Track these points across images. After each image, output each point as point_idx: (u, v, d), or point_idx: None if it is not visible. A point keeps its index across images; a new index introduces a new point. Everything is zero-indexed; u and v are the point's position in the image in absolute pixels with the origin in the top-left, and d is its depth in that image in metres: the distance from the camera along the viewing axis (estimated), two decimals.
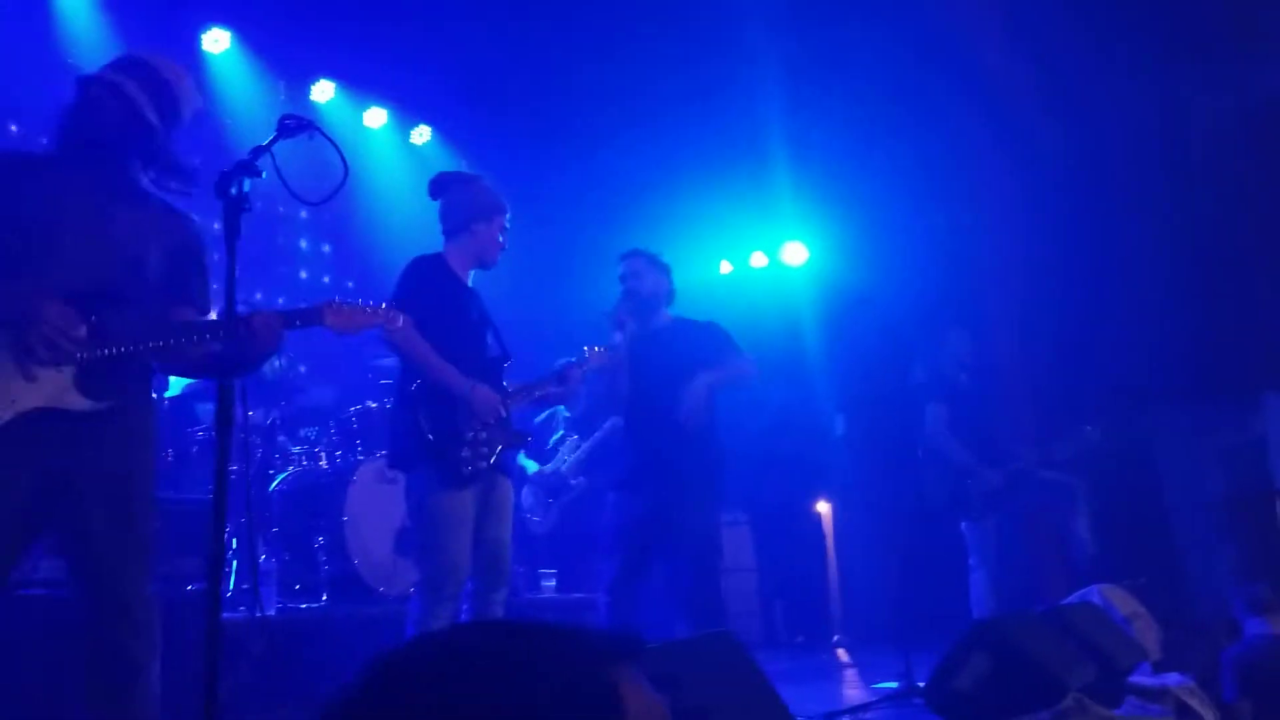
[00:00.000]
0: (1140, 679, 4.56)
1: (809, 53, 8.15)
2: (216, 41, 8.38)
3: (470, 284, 4.73)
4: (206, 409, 6.58)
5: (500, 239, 4.75)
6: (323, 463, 6.85)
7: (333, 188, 3.25)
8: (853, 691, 6.26)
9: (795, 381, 9.51)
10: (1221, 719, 4.28)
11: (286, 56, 8.90)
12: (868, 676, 6.62)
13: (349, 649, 5.48)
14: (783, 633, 9.14)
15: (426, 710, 1.00)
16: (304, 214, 9.37)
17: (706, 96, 8.74)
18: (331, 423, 7.09)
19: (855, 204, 9.18)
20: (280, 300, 8.07)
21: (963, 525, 6.74)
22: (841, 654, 8.38)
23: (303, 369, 7.57)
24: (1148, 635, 5.32)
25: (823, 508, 9.43)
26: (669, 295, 5.61)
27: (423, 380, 4.43)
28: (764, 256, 10.34)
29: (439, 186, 4.82)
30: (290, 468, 6.86)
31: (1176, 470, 7.70)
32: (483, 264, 4.76)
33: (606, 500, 5.57)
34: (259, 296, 8.17)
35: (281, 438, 6.99)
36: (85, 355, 2.98)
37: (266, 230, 8.77)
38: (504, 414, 4.56)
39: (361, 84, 9.46)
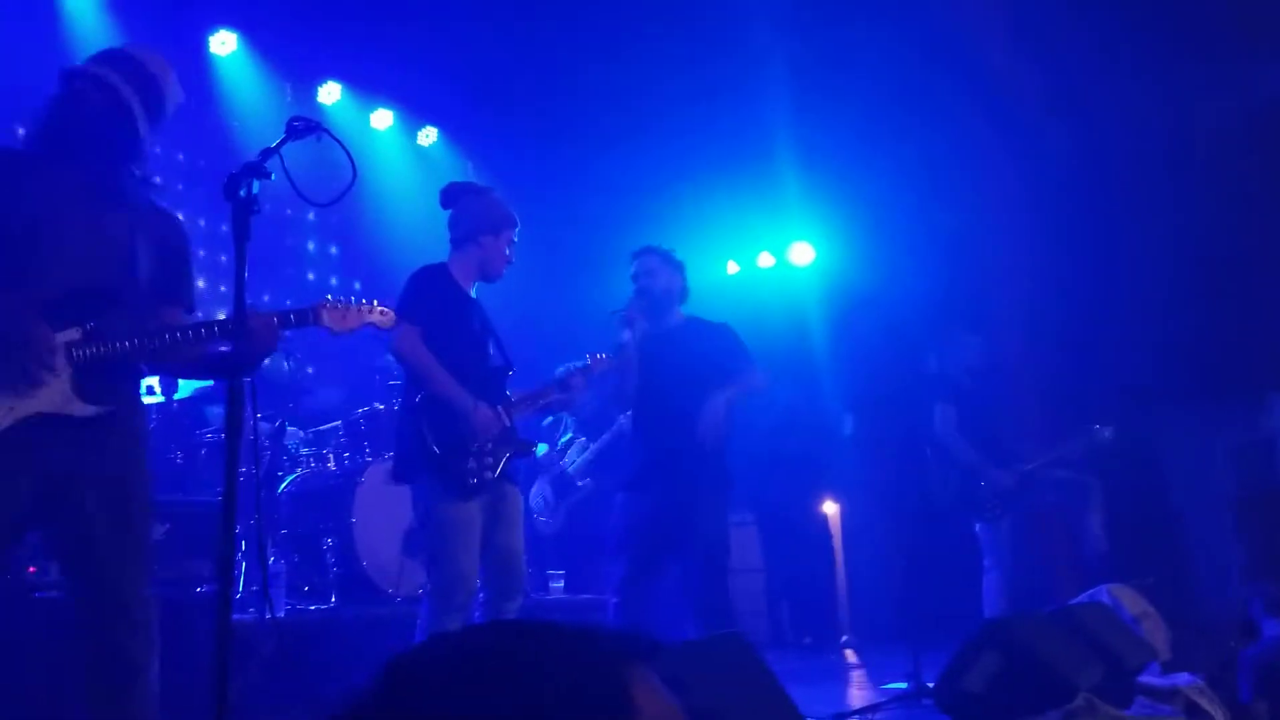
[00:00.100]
0: (1150, 679, 4.55)
1: (816, 54, 8.15)
2: (224, 44, 8.41)
3: (473, 294, 4.73)
4: (215, 412, 6.59)
5: (507, 252, 4.75)
6: (331, 465, 6.86)
7: (341, 189, 3.26)
8: (861, 692, 6.25)
9: (802, 381, 9.51)
10: (1233, 719, 4.27)
11: (293, 58, 8.92)
12: (876, 677, 6.60)
13: (358, 650, 5.49)
14: (790, 633, 9.12)
15: (439, 712, 1.00)
16: (311, 216, 9.39)
17: (713, 97, 8.74)
18: (340, 424, 7.10)
19: (862, 204, 9.18)
20: (288, 302, 8.08)
21: (977, 527, 6.74)
22: (849, 654, 8.37)
23: (310, 371, 7.59)
24: (1157, 635, 5.31)
25: (830, 508, 9.42)
26: (682, 294, 5.60)
27: (427, 392, 4.44)
28: (771, 256, 10.33)
29: (450, 196, 4.82)
30: (299, 470, 6.87)
31: (1184, 470, 7.69)
32: (487, 276, 4.75)
33: (615, 501, 5.57)
34: (267, 298, 8.19)
35: (290, 440, 7.00)
36: (82, 355, 2.97)
37: (274, 232, 8.79)
38: (508, 424, 4.57)
39: (368, 85, 9.47)
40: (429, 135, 10.05)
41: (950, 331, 7.16)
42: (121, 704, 3.01)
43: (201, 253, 8.51)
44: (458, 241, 4.74)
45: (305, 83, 9.07)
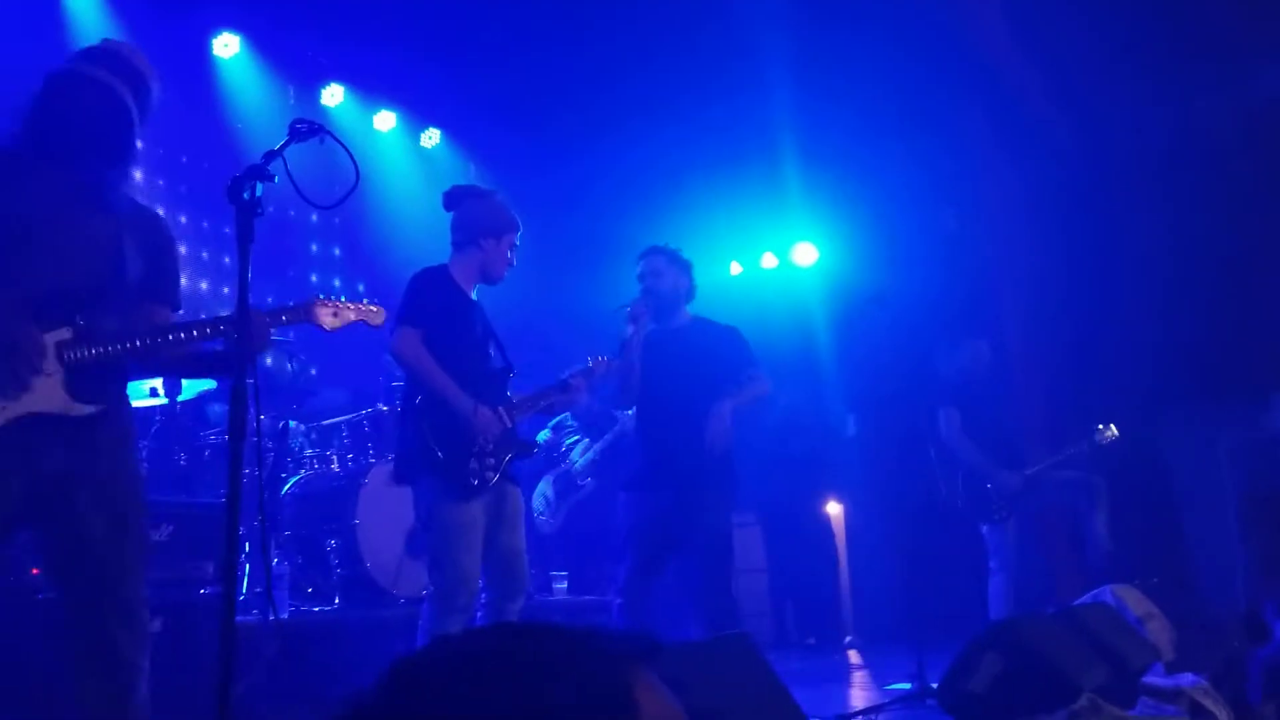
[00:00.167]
0: (1154, 679, 4.54)
1: (819, 55, 8.15)
2: (226, 46, 8.42)
3: (474, 297, 4.73)
4: (218, 413, 6.60)
5: (509, 256, 4.75)
6: (334, 466, 6.86)
7: (344, 191, 3.26)
8: (865, 693, 6.24)
9: (806, 382, 9.50)
10: (1237, 719, 4.26)
11: (296, 60, 8.93)
12: (880, 678, 6.60)
13: (361, 652, 5.50)
14: (794, 634, 9.12)
15: (443, 714, 1.00)
16: (315, 218, 9.40)
17: (716, 99, 8.74)
18: (343, 426, 7.10)
19: (865, 205, 9.18)
20: (290, 303, 8.08)
21: (983, 528, 6.73)
22: (853, 655, 8.36)
23: (314, 373, 7.59)
24: (1161, 635, 5.30)
25: (834, 508, 9.41)
26: (689, 293, 5.60)
27: (428, 394, 4.44)
28: (774, 257, 10.33)
29: (453, 199, 4.82)
30: (302, 471, 6.88)
31: (1188, 470, 7.68)
32: (488, 279, 4.75)
33: (618, 500, 5.56)
34: (270, 300, 8.18)
35: (293, 437, 7.01)
36: (73, 355, 2.97)
37: (278, 234, 8.80)
38: (509, 425, 4.57)
39: (371, 87, 9.48)
40: (432, 137, 10.06)
41: (954, 335, 7.16)
42: (119, 706, 3.01)
43: (205, 254, 8.53)
44: (459, 244, 4.74)
45: (308, 85, 9.08)
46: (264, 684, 4.77)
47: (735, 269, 10.50)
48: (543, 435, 8.78)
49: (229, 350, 3.18)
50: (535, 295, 9.14)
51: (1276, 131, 7.08)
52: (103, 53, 3.24)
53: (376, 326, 3.71)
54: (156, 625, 4.63)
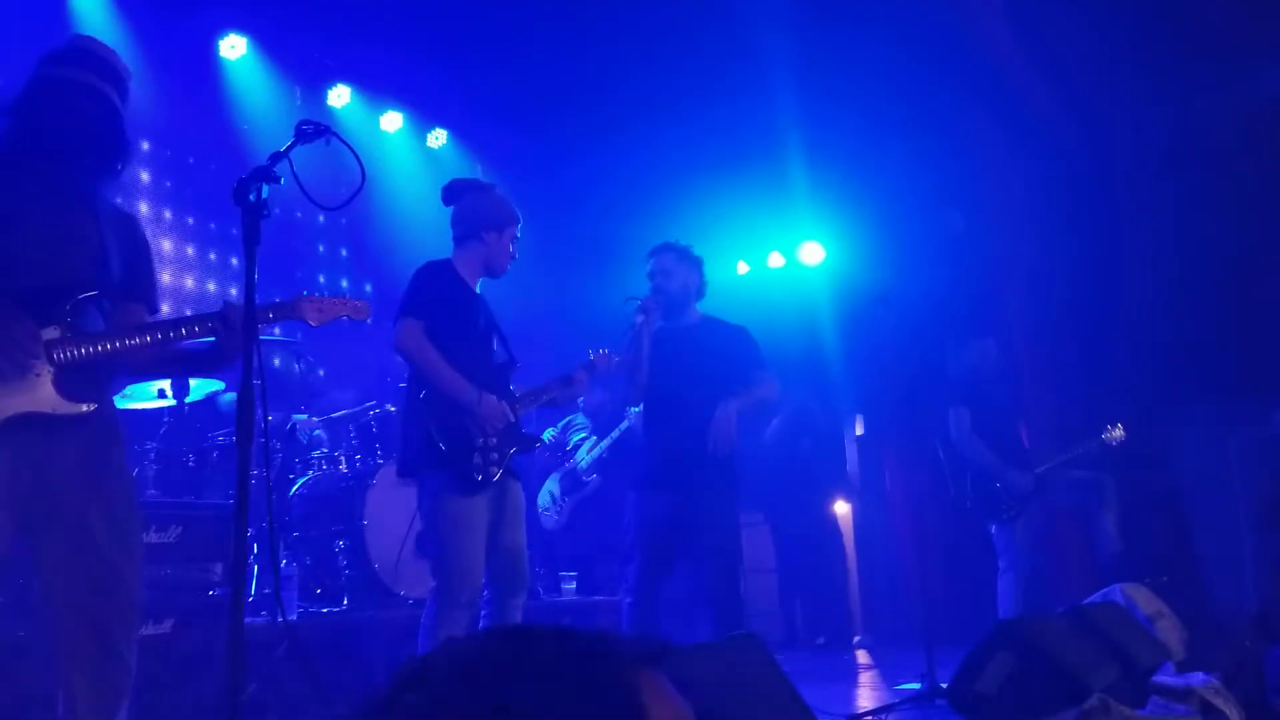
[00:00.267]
0: (1164, 678, 4.53)
1: (825, 54, 8.14)
2: (233, 48, 8.43)
3: (478, 291, 4.73)
4: (226, 414, 6.60)
5: (511, 249, 4.75)
6: (342, 467, 6.87)
7: (350, 192, 3.26)
8: (875, 692, 6.24)
9: (813, 382, 9.50)
10: (1249, 718, 4.25)
11: (302, 62, 8.94)
12: (889, 677, 6.59)
13: (370, 652, 5.50)
14: (803, 633, 9.12)
15: (452, 716, 1.00)
16: (321, 219, 9.41)
17: (722, 98, 8.74)
18: (351, 426, 7.11)
19: (872, 204, 9.17)
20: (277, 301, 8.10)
21: (992, 528, 6.72)
22: (862, 655, 8.36)
23: (322, 373, 7.60)
24: (1172, 634, 5.30)
25: (842, 508, 9.42)
26: (699, 291, 5.58)
27: (431, 389, 4.44)
28: (781, 257, 10.33)
29: (452, 193, 4.82)
30: (310, 472, 6.88)
31: (1197, 469, 7.66)
32: (491, 272, 4.75)
33: (626, 500, 5.55)
34: (277, 301, 8.20)
35: (301, 435, 7.01)
36: (64, 354, 2.97)
37: (284, 235, 8.81)
38: (512, 420, 4.57)
39: (377, 88, 9.49)
40: (438, 137, 10.07)
41: (963, 334, 7.15)
42: (115, 706, 3.01)
43: (212, 256, 8.55)
44: (461, 238, 4.74)
45: (314, 86, 9.10)
46: (273, 685, 4.78)
47: (742, 268, 10.50)
48: (549, 433, 8.79)
49: (217, 347, 3.17)
50: (542, 294, 9.16)
51: None
52: (83, 54, 3.23)
53: (361, 321, 3.68)
54: (166, 627, 4.65)
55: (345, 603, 6.37)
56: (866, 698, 6.02)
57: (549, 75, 8.89)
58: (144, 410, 6.39)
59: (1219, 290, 7.28)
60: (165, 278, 8.19)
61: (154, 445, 6.15)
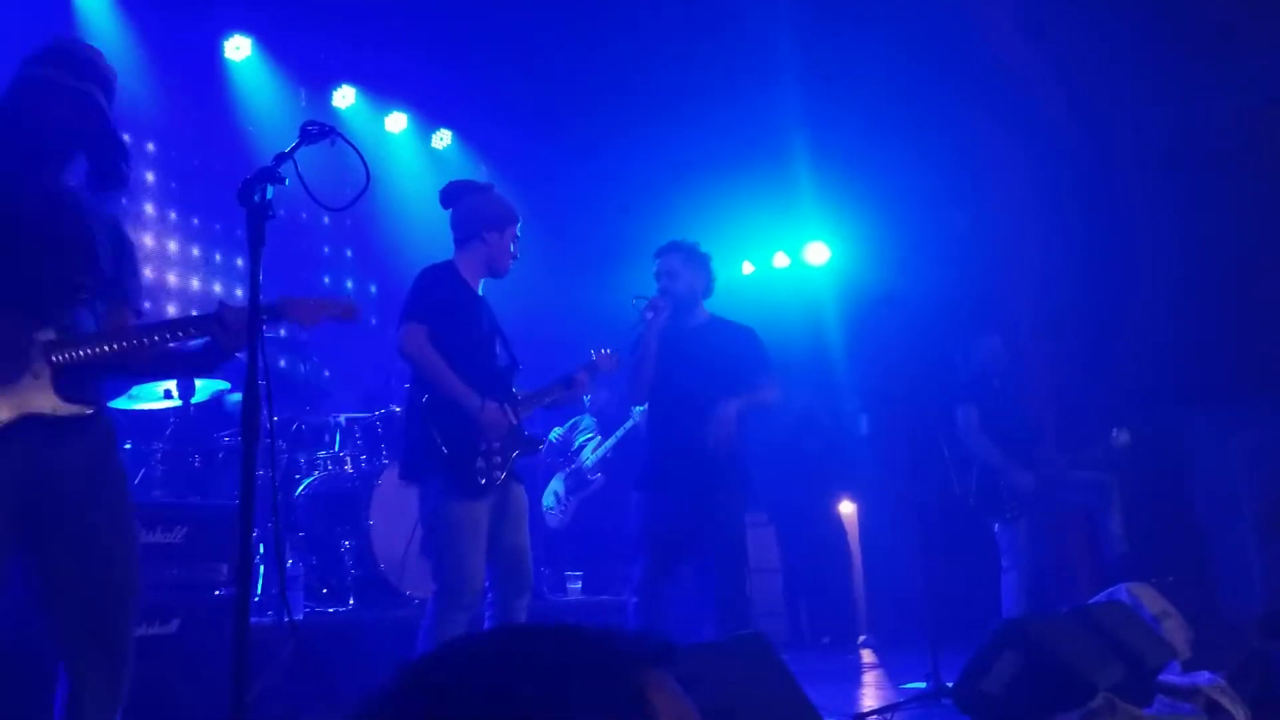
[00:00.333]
0: (1170, 678, 4.53)
1: (830, 54, 8.14)
2: (238, 49, 8.44)
3: (480, 292, 4.73)
4: (232, 414, 6.61)
5: (512, 248, 4.75)
6: (348, 467, 6.87)
7: (355, 193, 3.26)
8: (880, 692, 6.24)
9: (818, 382, 9.50)
10: (1254, 718, 4.25)
11: (307, 63, 8.95)
12: (895, 677, 6.59)
13: (376, 652, 5.51)
14: (808, 633, 9.12)
15: (456, 715, 1.00)
16: (326, 220, 9.42)
17: (727, 99, 8.74)
18: (356, 427, 7.11)
19: (877, 203, 9.17)
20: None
21: (995, 527, 6.72)
22: (867, 654, 8.35)
23: (328, 374, 7.61)
24: (1177, 634, 5.29)
25: (847, 507, 9.41)
26: (707, 289, 5.56)
27: (434, 393, 4.44)
28: (786, 257, 10.33)
29: (451, 195, 4.82)
30: (316, 473, 6.89)
31: (1204, 469, 7.65)
32: (493, 273, 4.75)
33: (630, 500, 5.55)
34: (263, 303, 8.21)
35: (307, 442, 7.02)
36: (61, 356, 2.97)
37: (289, 236, 8.82)
38: (514, 424, 4.57)
39: (382, 89, 9.49)
40: (443, 138, 10.07)
41: (969, 332, 7.15)
42: (116, 705, 3.02)
43: (218, 257, 8.56)
44: (462, 240, 4.73)
45: (319, 87, 9.10)
46: (278, 685, 4.78)
47: (747, 268, 10.50)
48: (555, 434, 8.80)
49: (212, 347, 3.18)
50: (547, 295, 9.16)
51: None
52: (63, 54, 3.17)
53: (349, 321, 3.66)
54: (172, 627, 4.66)
55: (351, 603, 6.37)
56: (872, 697, 6.02)
57: (554, 76, 8.90)
58: (150, 411, 6.41)
59: (1224, 290, 7.27)
60: (171, 278, 8.21)
61: (160, 446, 6.16)
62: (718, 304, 5.70)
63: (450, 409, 4.40)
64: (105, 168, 3.17)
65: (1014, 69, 7.87)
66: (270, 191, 2.90)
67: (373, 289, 9.70)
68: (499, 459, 4.46)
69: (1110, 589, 5.65)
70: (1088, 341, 8.18)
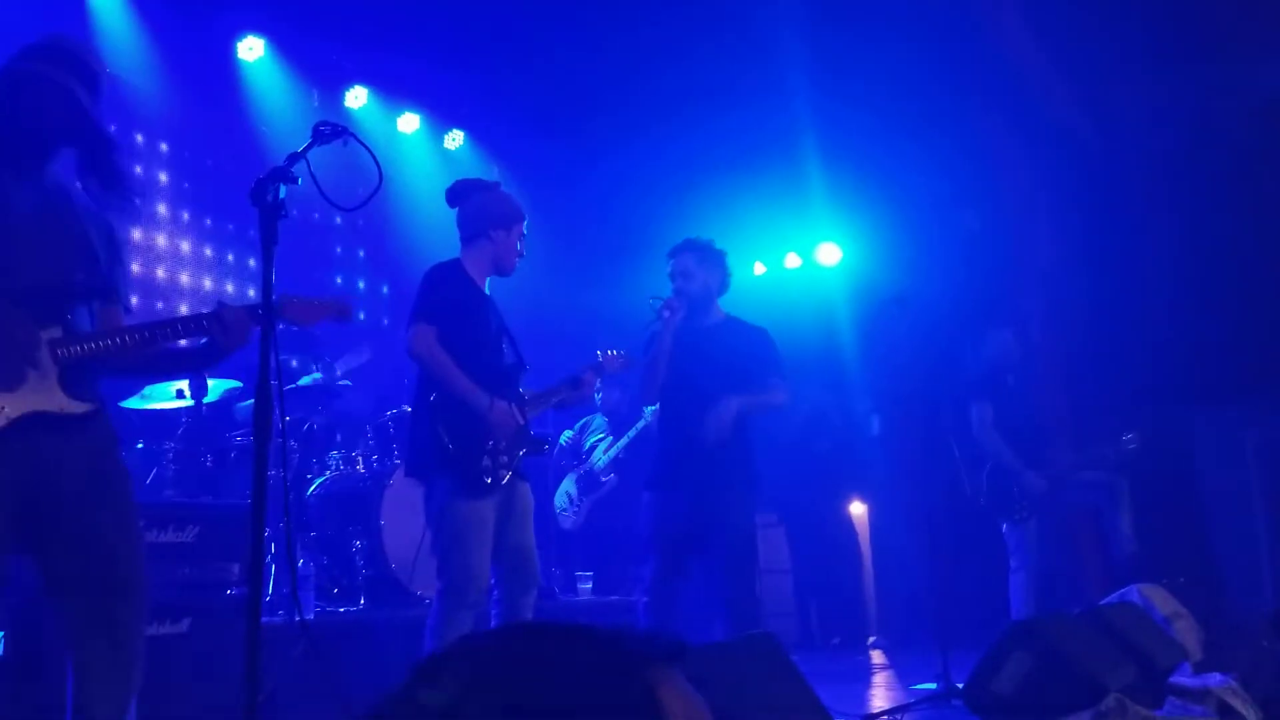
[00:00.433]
0: (1181, 679, 4.52)
1: (841, 56, 8.13)
2: (251, 50, 8.45)
3: (487, 291, 4.73)
4: (244, 414, 6.63)
5: (518, 246, 4.75)
6: (359, 467, 6.88)
7: (368, 193, 3.26)
8: (890, 693, 6.23)
9: (830, 382, 9.49)
10: (1265, 719, 4.24)
11: (320, 64, 8.96)
12: (905, 678, 6.59)
13: (387, 652, 5.51)
14: (818, 634, 9.12)
15: (467, 713, 1.00)
16: (339, 220, 9.43)
17: (739, 100, 8.73)
18: (368, 428, 7.12)
19: (889, 204, 9.16)
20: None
21: (1004, 527, 6.71)
22: (877, 655, 8.35)
23: (340, 374, 7.61)
24: (1189, 635, 5.28)
25: (857, 508, 9.41)
26: (721, 288, 5.55)
27: (442, 392, 4.45)
28: (798, 257, 10.32)
29: (457, 194, 4.82)
30: (327, 473, 6.90)
31: (1214, 468, 7.64)
32: (500, 271, 4.75)
33: (641, 500, 5.54)
34: (260, 302, 8.22)
35: (318, 443, 7.03)
36: (66, 353, 2.97)
37: (302, 236, 8.84)
38: (521, 423, 4.58)
39: (394, 90, 9.50)
40: (455, 139, 10.08)
41: (981, 327, 7.14)
42: (128, 699, 3.03)
43: (230, 257, 8.58)
44: (469, 238, 4.73)
45: (332, 88, 9.11)
46: (290, 685, 4.79)
47: (759, 269, 10.49)
48: (565, 436, 8.80)
49: (211, 345, 3.19)
50: (558, 296, 9.16)
51: None
52: (56, 53, 3.16)
53: (346, 320, 3.66)
54: (184, 626, 4.67)
55: (362, 602, 6.39)
56: (882, 698, 6.02)
57: (565, 77, 8.90)
58: (162, 410, 6.42)
59: (1234, 289, 7.26)
60: (184, 279, 8.23)
61: (172, 445, 6.17)
62: (730, 304, 5.70)
63: (458, 408, 4.41)
64: (95, 163, 3.16)
65: (1024, 70, 7.86)
66: (283, 191, 2.91)
67: (385, 289, 9.72)
68: (505, 458, 4.46)
69: (1121, 590, 5.64)
70: (1098, 341, 8.16)
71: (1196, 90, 7.26)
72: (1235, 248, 7.17)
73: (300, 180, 2.98)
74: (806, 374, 8.24)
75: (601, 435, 8.66)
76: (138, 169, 8.06)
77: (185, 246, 8.27)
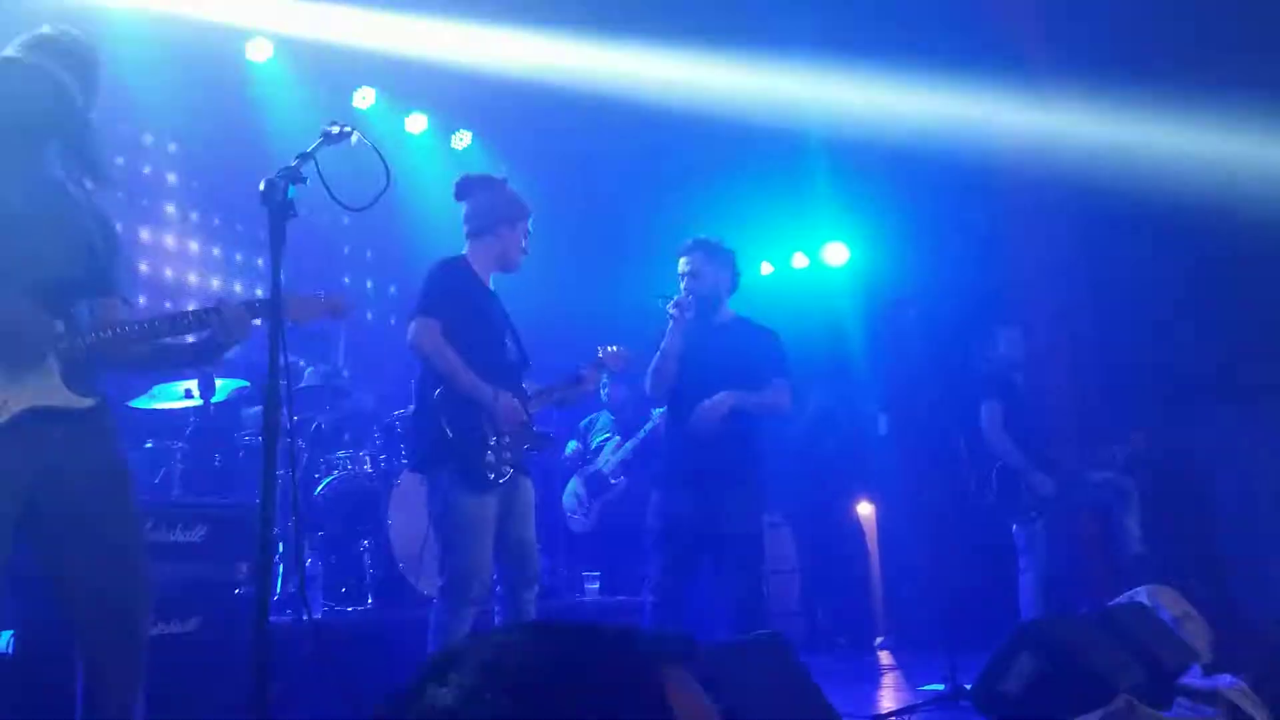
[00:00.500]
0: (1190, 680, 4.51)
1: (848, 51, 8.12)
2: (259, 50, 8.45)
3: (491, 287, 4.73)
4: (252, 414, 6.64)
5: (523, 243, 4.76)
6: (367, 467, 6.88)
7: (376, 193, 3.27)
8: (898, 693, 6.22)
9: (837, 382, 9.48)
10: None
11: (328, 64, 8.96)
12: (913, 678, 6.58)
13: (395, 651, 5.51)
14: (825, 634, 9.10)
15: (475, 712, 1.00)
16: (347, 220, 9.43)
17: (745, 98, 8.71)
18: (375, 427, 7.13)
19: (896, 204, 9.15)
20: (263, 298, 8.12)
21: (1013, 527, 6.70)
22: (885, 656, 8.34)
23: (347, 374, 7.62)
24: (1198, 636, 5.26)
25: (865, 508, 9.40)
26: (731, 287, 5.54)
27: (446, 387, 4.44)
28: (805, 257, 10.32)
29: (464, 188, 4.83)
30: (335, 472, 6.90)
31: (1223, 470, 7.62)
32: (505, 267, 4.76)
33: (649, 499, 5.54)
34: (256, 299, 8.22)
35: (326, 442, 7.03)
36: (69, 347, 2.97)
37: (310, 236, 8.82)
38: (525, 419, 4.58)
39: (402, 90, 9.50)
40: (463, 139, 10.07)
41: (989, 326, 7.13)
42: (135, 691, 3.03)
43: (239, 257, 8.59)
44: (475, 234, 4.75)
45: (340, 88, 9.11)
46: (298, 684, 4.80)
47: (766, 269, 10.49)
48: (571, 447, 8.77)
49: (210, 341, 3.20)
50: (565, 294, 9.15)
51: None
52: (47, 42, 3.16)
53: (341, 318, 3.66)
54: (192, 625, 4.68)
55: (370, 601, 6.39)
56: (890, 699, 6.02)
57: (574, 76, 8.88)
58: (170, 410, 6.43)
59: (1245, 288, 7.24)
60: (192, 279, 8.24)
61: (180, 445, 6.18)
62: (737, 304, 5.69)
63: (462, 403, 4.41)
64: (79, 153, 3.16)
65: (1033, 67, 7.85)
66: (292, 191, 2.92)
67: (392, 289, 9.72)
68: (508, 454, 4.47)
69: (1130, 591, 5.63)
70: (1106, 340, 8.15)
71: (1209, 87, 7.24)
72: (1248, 246, 7.14)
73: (309, 180, 2.98)
74: (814, 374, 8.23)
75: (608, 435, 8.65)
76: (146, 169, 8.07)
77: (194, 246, 8.28)
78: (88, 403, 3.01)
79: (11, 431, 2.87)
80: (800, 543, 9.02)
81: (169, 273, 8.07)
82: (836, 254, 10.04)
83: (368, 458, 6.94)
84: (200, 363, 3.39)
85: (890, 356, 9.20)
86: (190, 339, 3.27)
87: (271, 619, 2.72)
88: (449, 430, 4.38)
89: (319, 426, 6.91)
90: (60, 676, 3.18)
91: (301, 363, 6.96)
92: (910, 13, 7.68)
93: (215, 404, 6.28)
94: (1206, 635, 5.35)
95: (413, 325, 4.49)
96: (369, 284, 9.65)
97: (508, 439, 4.47)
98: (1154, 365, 7.67)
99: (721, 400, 5.25)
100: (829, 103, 8.59)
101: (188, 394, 6.20)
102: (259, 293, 8.27)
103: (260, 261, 8.50)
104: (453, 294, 4.55)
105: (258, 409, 6.09)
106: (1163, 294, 7.68)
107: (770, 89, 8.61)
